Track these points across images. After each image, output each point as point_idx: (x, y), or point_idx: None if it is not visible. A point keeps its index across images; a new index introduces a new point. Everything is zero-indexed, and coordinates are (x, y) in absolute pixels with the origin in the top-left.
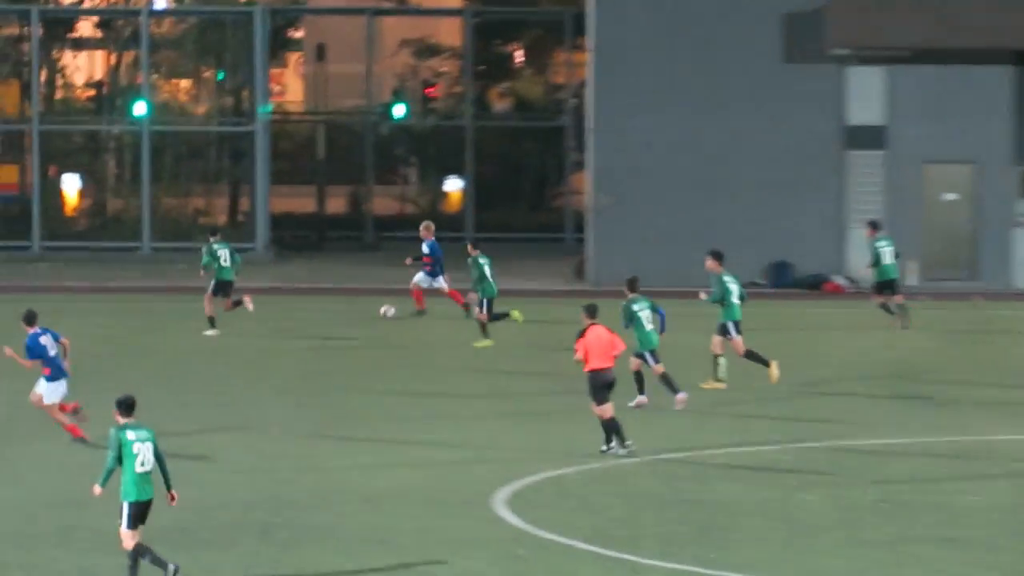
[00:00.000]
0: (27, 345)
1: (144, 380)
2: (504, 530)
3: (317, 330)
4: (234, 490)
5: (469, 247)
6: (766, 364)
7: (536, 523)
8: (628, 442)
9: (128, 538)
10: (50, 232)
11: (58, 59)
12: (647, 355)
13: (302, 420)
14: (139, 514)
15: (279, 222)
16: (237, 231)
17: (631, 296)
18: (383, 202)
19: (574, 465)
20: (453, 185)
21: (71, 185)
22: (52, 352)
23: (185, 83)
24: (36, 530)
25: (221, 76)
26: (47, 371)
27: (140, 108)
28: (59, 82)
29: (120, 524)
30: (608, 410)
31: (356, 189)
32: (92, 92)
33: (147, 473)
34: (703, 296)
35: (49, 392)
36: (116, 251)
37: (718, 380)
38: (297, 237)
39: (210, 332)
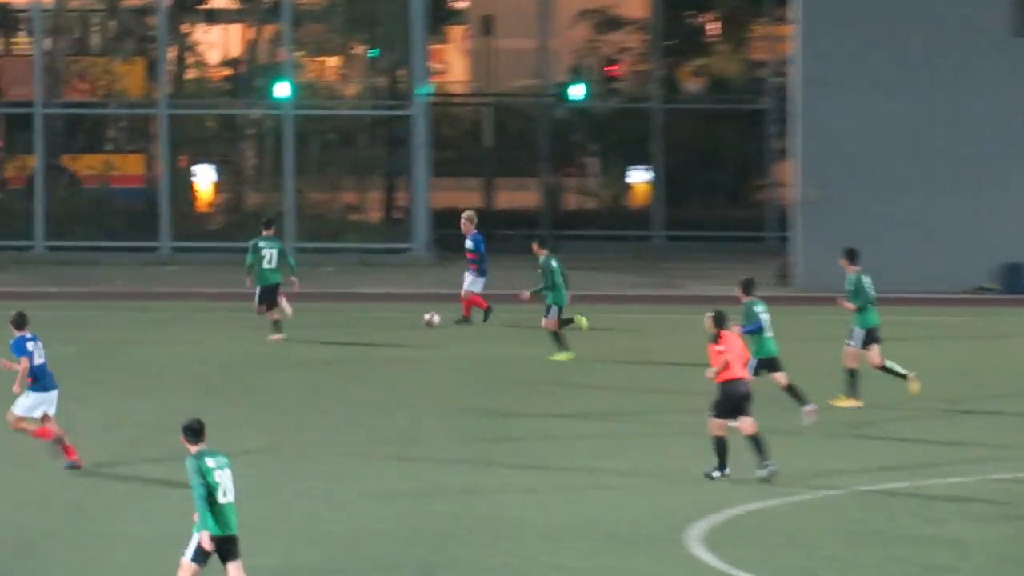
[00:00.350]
0: (11, 345)
1: (283, 395)
2: (701, 571)
3: (459, 342)
4: (384, 521)
5: (535, 246)
6: (903, 377)
7: (737, 563)
8: (769, 462)
9: (187, 572)
10: (180, 231)
11: (189, 34)
12: (756, 363)
13: (435, 440)
14: (224, 550)
15: (441, 219)
16: (393, 229)
17: (746, 300)
18: (560, 196)
19: (777, 497)
20: (638, 177)
21: (204, 177)
22: (38, 360)
23: (333, 61)
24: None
25: (374, 53)
26: (30, 380)
27: (282, 89)
28: (190, 60)
29: (184, 555)
30: (749, 426)
31: (530, 181)
32: (228, 71)
33: (231, 504)
34: (843, 303)
35: (25, 404)
36: None
37: (851, 397)
38: (462, 236)
39: (274, 336)
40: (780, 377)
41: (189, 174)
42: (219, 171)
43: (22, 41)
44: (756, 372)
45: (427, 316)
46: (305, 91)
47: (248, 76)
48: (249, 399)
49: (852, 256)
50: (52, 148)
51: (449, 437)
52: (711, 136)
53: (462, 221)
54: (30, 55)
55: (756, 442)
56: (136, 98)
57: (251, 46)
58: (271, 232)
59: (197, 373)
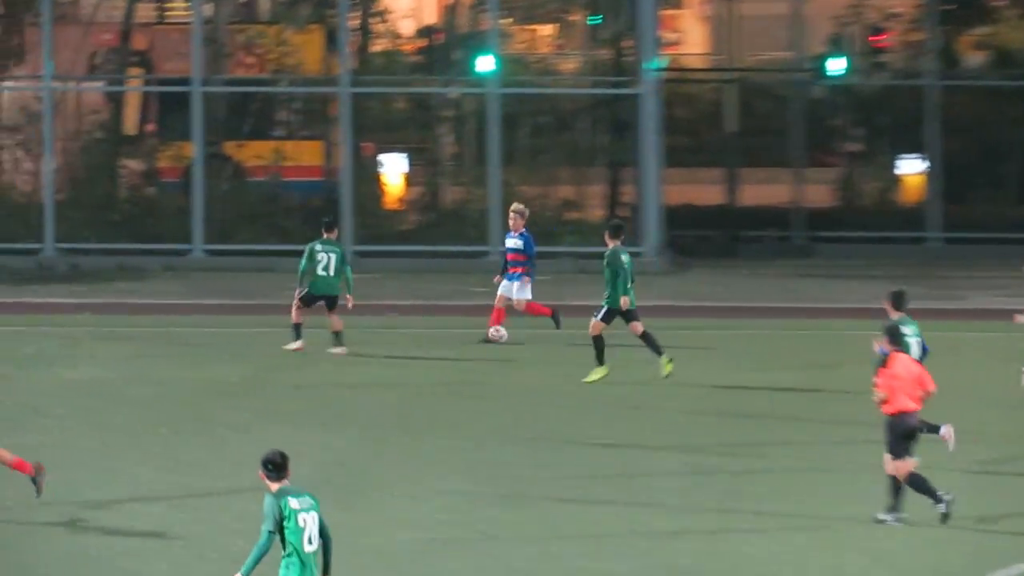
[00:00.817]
0: None
1: (484, 425)
2: None
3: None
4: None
5: (607, 236)
6: None
7: None
8: (945, 495)
9: None
10: (365, 232)
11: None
12: None
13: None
14: None
15: (676, 217)
16: None
17: (896, 316)
18: (817, 191)
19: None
20: (910, 167)
21: (393, 169)
22: None
23: (547, 30)
24: None
25: (595, 20)
26: None
27: (486, 64)
28: (377, 29)
29: None
30: (908, 465)
31: (781, 172)
32: (421, 42)
33: (314, 554)
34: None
35: None
36: (454, 256)
37: None
38: (701, 238)
39: (293, 345)
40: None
41: (375, 164)
42: (410, 161)
43: (178, 7)
44: None
45: (491, 332)
46: (513, 66)
47: (445, 48)
48: (445, 429)
49: None
50: (213, 134)
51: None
52: (997, 119)
53: (510, 215)
54: (187, 23)
55: (897, 488)
56: (313, 74)
57: (449, 13)
58: (332, 235)
59: (384, 400)
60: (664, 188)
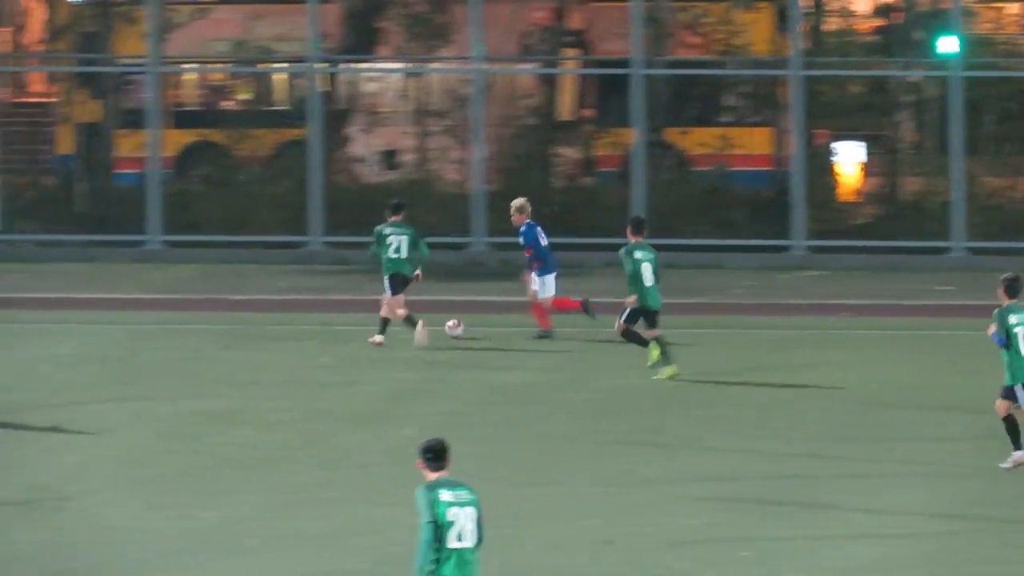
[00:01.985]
0: None
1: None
2: None
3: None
4: None
5: (629, 231)
6: None
7: None
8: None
9: None
10: (818, 226)
11: None
12: (1019, 390)
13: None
14: None
15: None
16: None
17: (1008, 303)
18: None
19: None
20: None
21: (848, 157)
22: None
23: (1013, 8)
24: None
25: None
26: None
27: (948, 44)
28: (831, 7)
29: None
30: None
31: None
32: (878, 21)
33: (468, 551)
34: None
35: None
36: (911, 252)
37: None
38: None
39: (378, 338)
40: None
41: (829, 153)
42: (868, 149)
43: None
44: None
45: (450, 323)
46: (977, 47)
47: (904, 27)
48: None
49: None
50: (654, 119)
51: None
52: None
53: (512, 210)
54: (627, 1)
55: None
56: (762, 56)
57: None
58: (399, 217)
59: (830, 409)
60: None
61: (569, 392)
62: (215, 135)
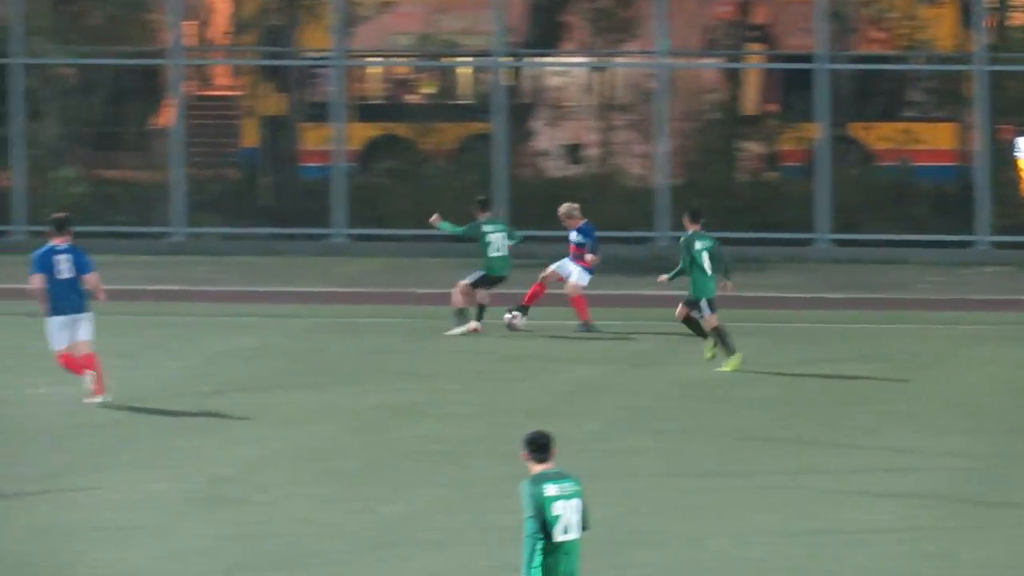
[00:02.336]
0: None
1: None
2: None
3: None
4: None
5: (685, 220)
6: None
7: None
8: None
9: None
10: (1002, 221)
11: None
12: None
13: None
14: None
15: None
16: None
17: None
18: None
19: None
20: None
21: None
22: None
23: None
24: None
25: None
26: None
27: None
28: (1016, 2)
29: None
30: None
31: None
32: None
33: (573, 542)
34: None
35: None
36: None
37: None
38: None
39: (457, 330)
40: None
41: (1013, 148)
42: None
43: None
44: None
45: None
46: None
47: None
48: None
49: None
50: (838, 114)
51: None
52: None
53: (561, 215)
54: None
55: None
56: (946, 51)
57: None
58: (490, 214)
59: (1015, 405)
60: None
61: (749, 387)
62: (400, 129)
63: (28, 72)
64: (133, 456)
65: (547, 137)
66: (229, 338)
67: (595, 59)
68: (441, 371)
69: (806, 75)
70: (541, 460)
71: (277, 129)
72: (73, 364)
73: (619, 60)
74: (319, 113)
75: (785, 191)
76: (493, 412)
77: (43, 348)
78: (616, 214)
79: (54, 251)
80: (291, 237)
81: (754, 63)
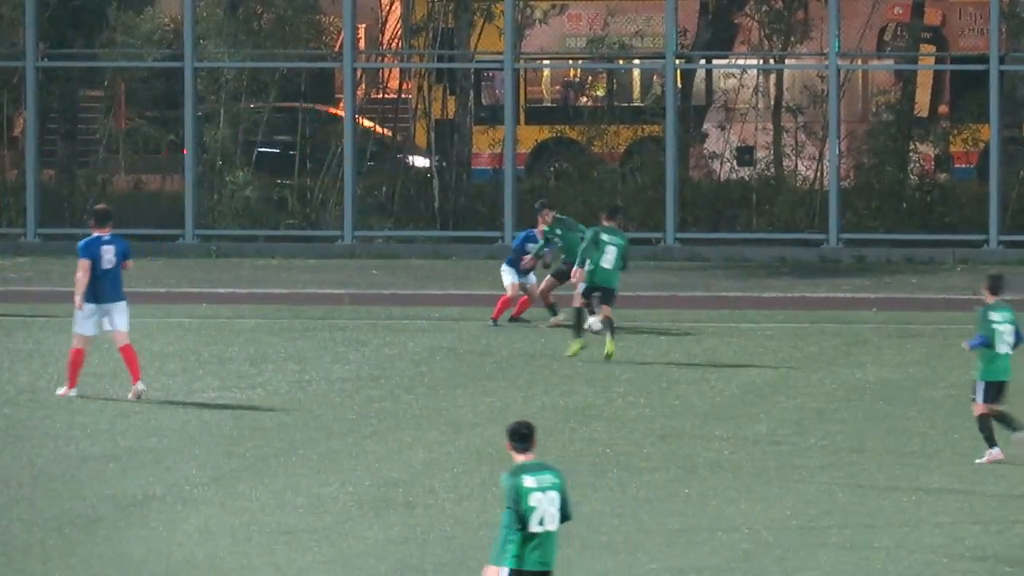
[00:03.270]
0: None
1: None
2: None
3: None
4: None
5: (602, 216)
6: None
7: None
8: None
9: None
10: None
11: None
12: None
13: None
14: None
15: None
16: None
17: (991, 301)
18: None
19: None
20: None
21: None
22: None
23: None
24: None
25: None
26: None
27: None
28: None
29: None
30: None
31: None
32: None
33: (548, 534)
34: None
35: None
36: None
37: None
38: None
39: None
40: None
41: None
42: None
43: None
44: (985, 398)
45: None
46: None
47: None
48: None
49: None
50: (1011, 115)
51: None
52: None
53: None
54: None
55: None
56: None
57: None
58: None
59: None
60: None
61: (924, 389)
62: (570, 131)
63: (198, 76)
64: (301, 460)
65: (718, 139)
66: (400, 341)
67: (768, 61)
68: (612, 373)
69: (978, 76)
70: (522, 450)
71: (449, 132)
72: (77, 361)
73: (791, 62)
74: (490, 116)
75: (957, 193)
76: (663, 414)
77: (215, 352)
78: (786, 215)
79: (100, 241)
80: (460, 240)
81: (927, 64)
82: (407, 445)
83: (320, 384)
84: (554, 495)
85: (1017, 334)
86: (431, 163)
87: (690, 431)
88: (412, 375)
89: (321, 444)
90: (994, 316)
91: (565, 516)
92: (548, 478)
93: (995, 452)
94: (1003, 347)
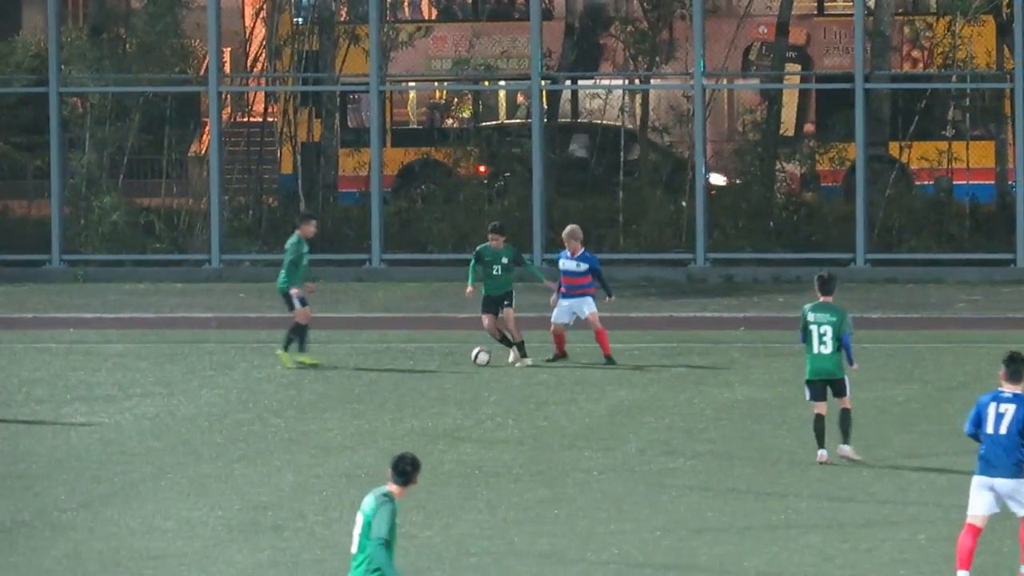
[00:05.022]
0: None
1: None
2: None
3: None
4: None
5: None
6: None
7: None
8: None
9: None
10: None
11: None
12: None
13: None
14: None
15: None
16: None
17: (820, 300)
18: None
19: None
20: None
21: None
22: None
23: None
24: None
25: None
26: None
27: None
28: None
29: None
30: None
31: None
32: None
33: (353, 556)
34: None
35: None
36: None
37: None
38: None
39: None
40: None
41: None
42: None
43: None
44: (812, 396)
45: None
46: None
47: None
48: None
49: None
50: (876, 134)
51: None
52: None
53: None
54: (848, 16)
55: None
56: (985, 69)
57: None
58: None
59: None
60: None
61: (793, 408)
62: (436, 153)
63: (64, 101)
64: (170, 484)
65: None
66: (268, 365)
67: (633, 81)
68: (479, 396)
69: (844, 95)
70: (403, 482)
71: (315, 155)
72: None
73: (656, 82)
74: (356, 138)
75: (823, 211)
76: (532, 436)
77: (82, 377)
78: (649, 234)
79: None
80: (328, 263)
81: (792, 83)
82: (276, 469)
83: (188, 408)
84: (359, 518)
85: (841, 336)
86: (297, 187)
87: (559, 452)
88: (281, 398)
89: (190, 468)
90: (810, 316)
91: (363, 538)
92: (368, 500)
93: (822, 454)
94: (819, 347)
